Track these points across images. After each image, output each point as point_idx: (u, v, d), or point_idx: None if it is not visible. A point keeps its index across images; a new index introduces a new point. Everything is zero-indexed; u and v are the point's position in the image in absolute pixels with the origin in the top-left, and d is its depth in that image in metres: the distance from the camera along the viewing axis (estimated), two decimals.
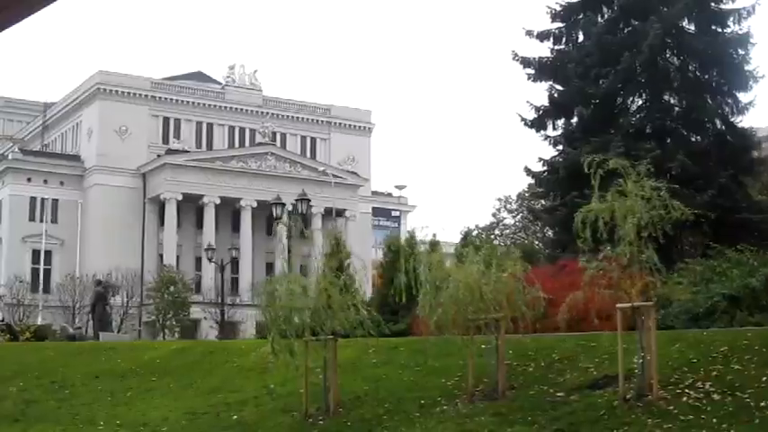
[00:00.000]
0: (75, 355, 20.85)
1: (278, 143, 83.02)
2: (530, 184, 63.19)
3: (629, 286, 12.35)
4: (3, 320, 35.66)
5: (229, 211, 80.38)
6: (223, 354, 17.90)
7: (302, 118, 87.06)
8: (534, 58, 28.20)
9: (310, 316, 13.49)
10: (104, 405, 16.38)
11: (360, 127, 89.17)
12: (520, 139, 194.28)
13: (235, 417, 14.20)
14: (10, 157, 79.11)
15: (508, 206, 68.00)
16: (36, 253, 78.42)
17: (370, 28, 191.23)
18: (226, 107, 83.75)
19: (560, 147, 28.21)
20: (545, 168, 29.01)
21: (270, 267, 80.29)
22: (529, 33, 28.41)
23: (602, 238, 12.79)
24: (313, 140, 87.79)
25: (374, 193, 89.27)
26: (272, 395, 14.90)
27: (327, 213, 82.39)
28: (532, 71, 28.24)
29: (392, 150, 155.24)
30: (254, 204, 79.00)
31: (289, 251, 23.83)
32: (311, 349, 14.02)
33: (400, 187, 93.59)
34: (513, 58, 28.17)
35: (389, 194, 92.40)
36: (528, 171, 30.61)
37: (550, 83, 28.00)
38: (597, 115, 25.83)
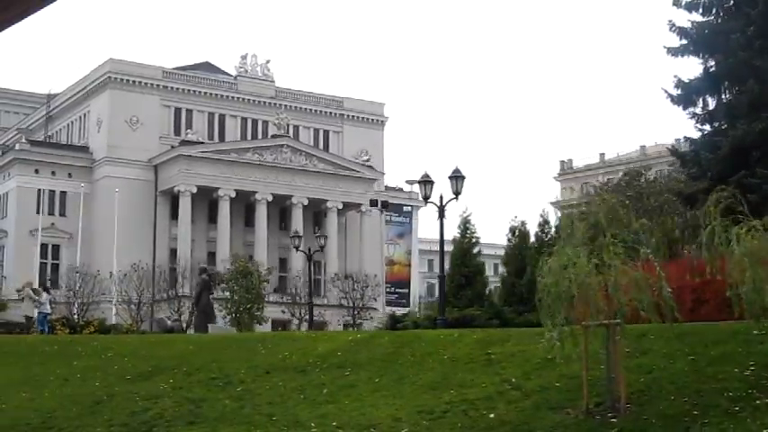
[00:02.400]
0: (222, 348, 18.69)
1: (290, 135, 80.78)
2: (631, 170, 61.36)
3: None
4: (50, 313, 33.32)
5: (242, 204, 78.13)
6: (420, 344, 15.90)
7: (315, 110, 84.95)
8: (692, 29, 26.41)
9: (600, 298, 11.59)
10: (300, 404, 14.35)
11: (373, 120, 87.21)
12: (533, 133, 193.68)
13: (491, 415, 12.29)
14: (17, 147, 76.24)
15: (604, 194, 65.93)
16: (44, 247, 75.70)
17: (382, 20, 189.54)
18: (238, 98, 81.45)
19: (707, 125, 26.51)
20: (692, 148, 27.33)
21: (283, 262, 78.16)
22: (676, 3, 26.65)
23: None
24: (326, 133, 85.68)
25: (386, 188, 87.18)
26: (522, 390, 12.99)
27: (345, 207, 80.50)
28: (686, 42, 26.45)
29: (401, 144, 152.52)
30: (270, 198, 76.86)
31: (441, 229, 21.89)
32: (580, 336, 12.14)
33: (411, 182, 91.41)
34: (671, 29, 26.37)
35: (400, 189, 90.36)
36: (674, 151, 28.94)
37: (696, 56, 26.22)
38: (764, 90, 24.16)
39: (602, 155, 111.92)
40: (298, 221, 78.46)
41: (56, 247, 76.11)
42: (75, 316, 37.75)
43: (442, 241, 22.31)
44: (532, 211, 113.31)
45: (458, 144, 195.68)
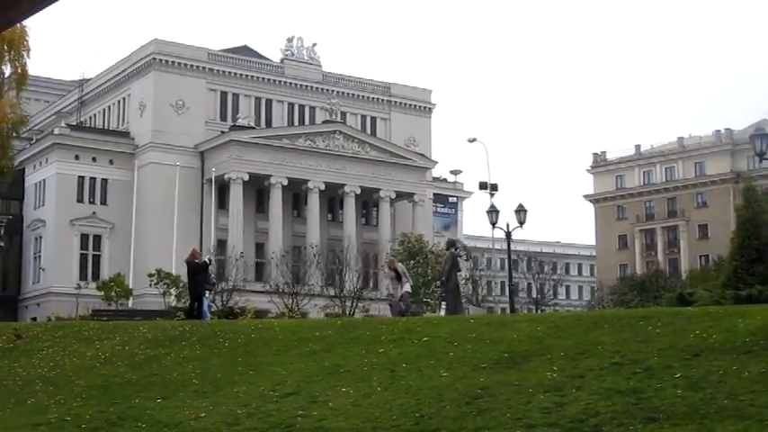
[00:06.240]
0: (586, 329, 15.19)
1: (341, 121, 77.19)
2: None
3: None
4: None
5: (290, 193, 74.42)
6: None
7: (362, 96, 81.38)
8: None
9: None
10: None
11: (420, 107, 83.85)
12: (566, 124, 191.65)
13: None
14: (56, 132, 71.93)
15: None
16: (84, 237, 71.67)
17: (424, 5, 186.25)
18: (285, 82, 77.77)
19: None
20: None
21: (333, 254, 74.20)
22: None
23: None
24: (373, 120, 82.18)
25: (434, 178, 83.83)
26: None
27: (397, 197, 77.10)
28: None
29: (443, 133, 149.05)
30: (322, 186, 73.22)
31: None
32: None
33: (455, 172, 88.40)
34: None
35: (444, 180, 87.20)
36: None
37: None
38: None
39: (637, 146, 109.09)
40: (350, 211, 75.01)
41: (97, 238, 72.05)
42: (220, 303, 34.09)
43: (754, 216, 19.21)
44: (564, 205, 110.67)
45: (489, 134, 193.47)
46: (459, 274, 24.02)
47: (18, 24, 32.90)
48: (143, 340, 19.26)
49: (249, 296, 45.61)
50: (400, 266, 24.69)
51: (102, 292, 45.03)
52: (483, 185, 44.39)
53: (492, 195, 44.25)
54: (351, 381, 14.57)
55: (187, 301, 30.17)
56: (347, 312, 41.51)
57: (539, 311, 50.17)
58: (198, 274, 24.19)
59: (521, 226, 35.33)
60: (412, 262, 34.92)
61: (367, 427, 12.74)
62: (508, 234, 35.74)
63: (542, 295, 52.28)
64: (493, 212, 36.40)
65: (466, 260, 30.69)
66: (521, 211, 35.64)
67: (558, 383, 13.03)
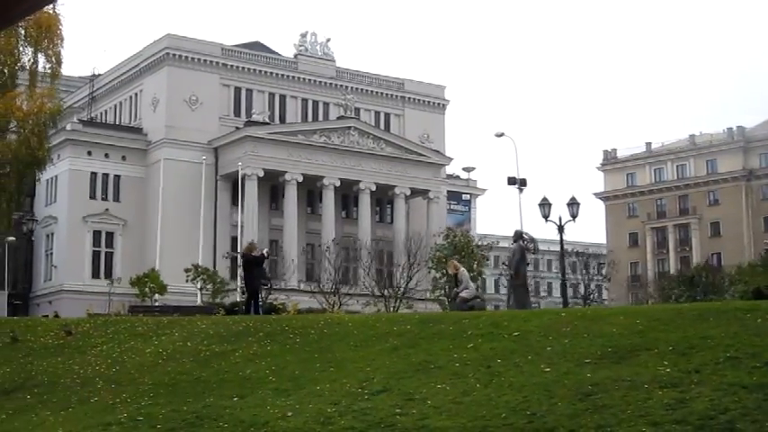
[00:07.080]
0: (689, 322, 14.53)
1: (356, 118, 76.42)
2: None
3: None
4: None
5: (305, 189, 73.61)
6: None
7: (375, 92, 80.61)
8: None
9: None
10: None
11: (434, 103, 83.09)
12: (576, 121, 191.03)
13: None
14: (68, 127, 71.00)
15: None
16: (97, 234, 70.84)
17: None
18: (298, 78, 76.97)
19: None
20: None
21: (347, 253, 73.33)
22: None
23: None
24: (387, 116, 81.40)
25: (447, 175, 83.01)
26: None
27: (412, 194, 76.35)
28: None
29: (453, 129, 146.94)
30: (337, 183, 72.47)
31: None
32: None
33: (468, 170, 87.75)
34: None
35: (457, 177, 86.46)
36: None
37: None
38: None
39: (648, 144, 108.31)
40: (365, 208, 74.27)
41: (109, 235, 71.25)
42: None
43: None
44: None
45: (498, 130, 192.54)
46: (528, 266, 23.26)
47: (51, 11, 32.20)
48: (205, 336, 18.53)
49: (279, 294, 44.90)
50: (461, 272, 23.72)
51: (137, 288, 44.20)
52: (512, 180, 43.57)
53: (521, 191, 43.53)
54: (445, 377, 13.87)
55: (224, 296, 29.46)
56: (390, 310, 40.72)
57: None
58: (254, 268, 23.41)
59: (573, 219, 34.48)
60: (457, 257, 34.18)
61: (476, 425, 12.05)
62: (560, 228, 34.95)
63: (589, 292, 51.76)
64: (545, 205, 35.24)
65: (533, 253, 29.82)
66: (573, 204, 34.74)
67: (675, 379, 12.36)
